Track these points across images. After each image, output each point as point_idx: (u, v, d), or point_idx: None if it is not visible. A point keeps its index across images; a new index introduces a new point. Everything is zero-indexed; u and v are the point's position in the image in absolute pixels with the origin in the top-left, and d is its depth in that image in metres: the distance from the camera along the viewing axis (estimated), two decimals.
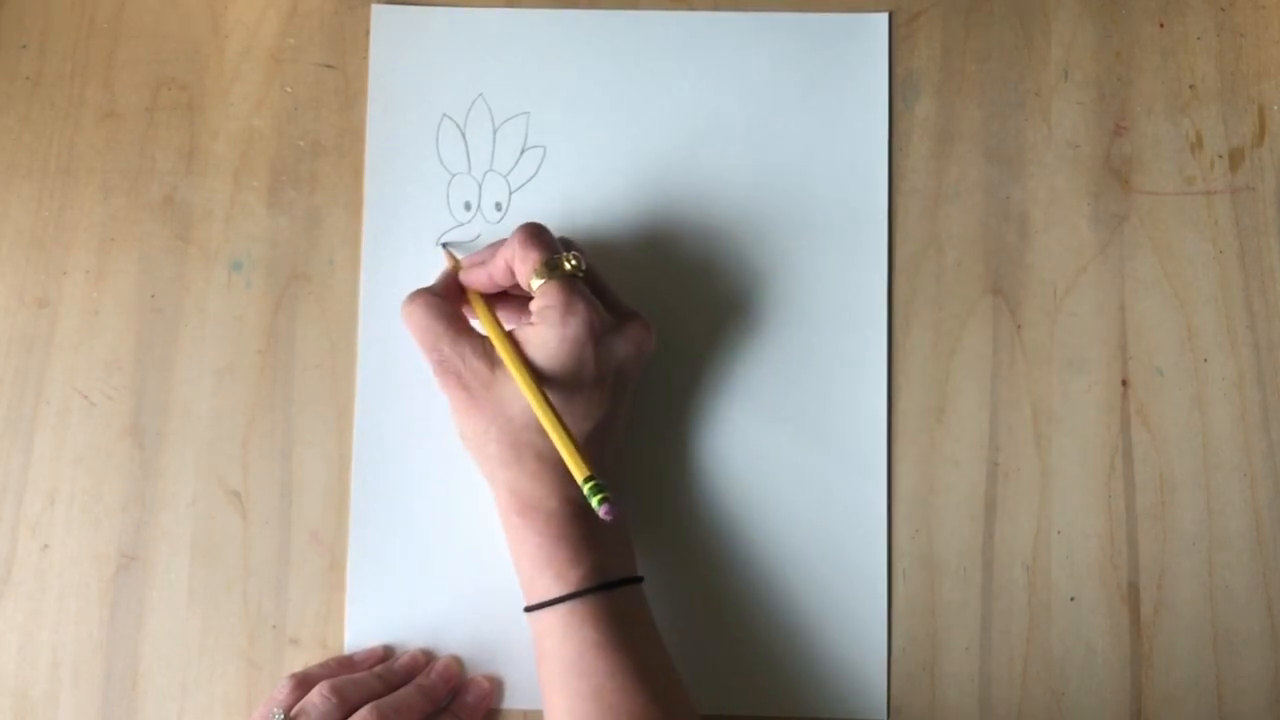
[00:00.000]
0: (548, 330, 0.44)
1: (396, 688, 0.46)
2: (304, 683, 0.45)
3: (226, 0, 0.53)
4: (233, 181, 0.52)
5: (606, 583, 0.43)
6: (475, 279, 0.47)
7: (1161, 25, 0.53)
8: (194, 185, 0.52)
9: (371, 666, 0.48)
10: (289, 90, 0.53)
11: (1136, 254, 0.51)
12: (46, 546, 0.50)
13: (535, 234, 0.45)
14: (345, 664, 0.48)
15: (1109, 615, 0.49)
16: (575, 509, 0.44)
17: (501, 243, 0.46)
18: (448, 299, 0.47)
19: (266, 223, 0.52)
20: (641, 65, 0.53)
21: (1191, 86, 0.53)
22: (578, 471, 0.41)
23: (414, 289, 0.47)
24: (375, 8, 0.53)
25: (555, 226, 0.51)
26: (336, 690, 0.44)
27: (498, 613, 0.49)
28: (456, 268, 0.49)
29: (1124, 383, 0.51)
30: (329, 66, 0.53)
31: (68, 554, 0.50)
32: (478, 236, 0.52)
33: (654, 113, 0.52)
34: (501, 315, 0.48)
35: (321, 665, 0.48)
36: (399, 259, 0.51)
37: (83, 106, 0.52)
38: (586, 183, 0.52)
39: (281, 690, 0.45)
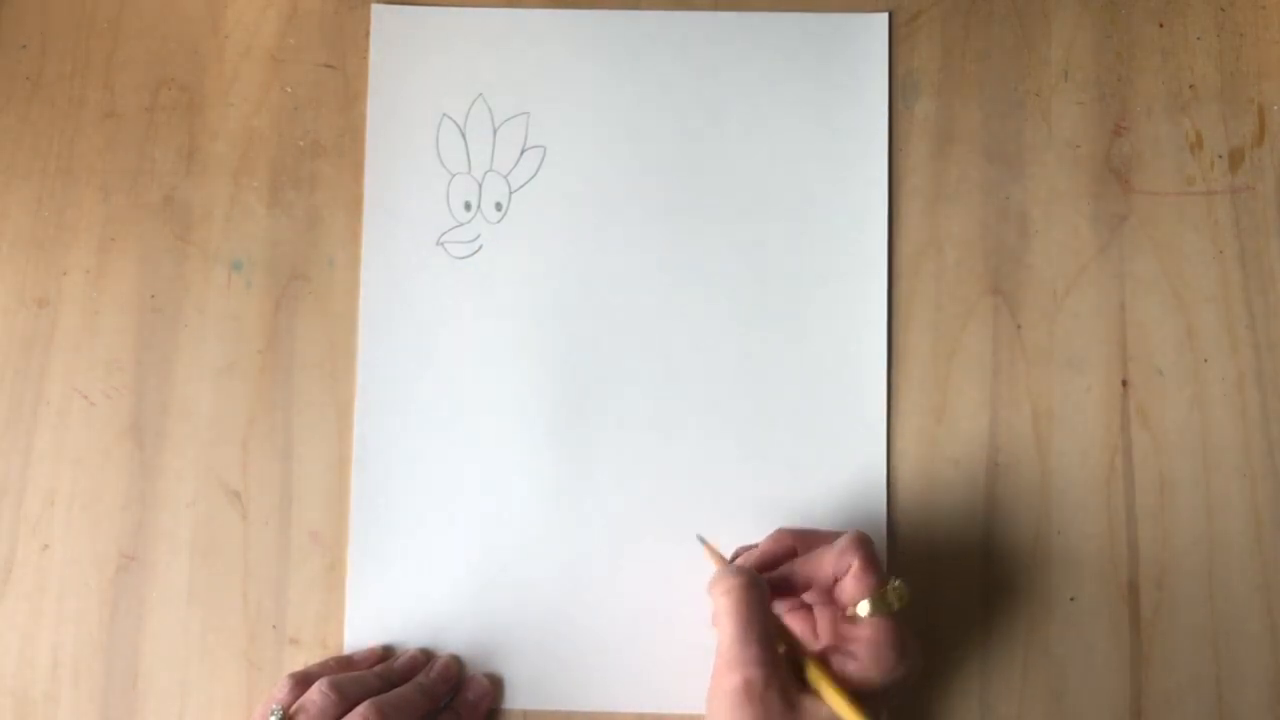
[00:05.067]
0: (873, 668, 0.41)
1: (396, 686, 0.46)
2: (303, 681, 0.45)
3: (226, 0, 0.53)
4: (233, 181, 0.52)
5: None
6: (776, 573, 0.44)
7: (1161, 25, 0.53)
8: (194, 185, 0.52)
9: (371, 666, 0.48)
10: (289, 90, 0.53)
11: (1136, 254, 0.51)
12: (46, 546, 0.50)
13: (874, 557, 0.43)
14: (344, 664, 0.48)
15: (1109, 615, 0.49)
16: None
17: (817, 547, 0.45)
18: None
19: (266, 223, 0.52)
20: (641, 65, 0.53)
21: (1191, 86, 0.53)
22: None
23: (734, 569, 0.43)
24: (375, 8, 0.53)
25: (555, 226, 0.51)
26: (336, 687, 0.44)
27: (498, 612, 0.49)
28: (722, 560, 0.46)
29: (1124, 383, 0.51)
30: (329, 66, 0.53)
31: (68, 554, 0.50)
32: (478, 236, 0.52)
33: (654, 113, 0.52)
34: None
35: (320, 665, 0.48)
36: (399, 259, 0.51)
37: (83, 106, 0.53)
38: (586, 183, 0.52)
39: (281, 689, 0.45)
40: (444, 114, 0.52)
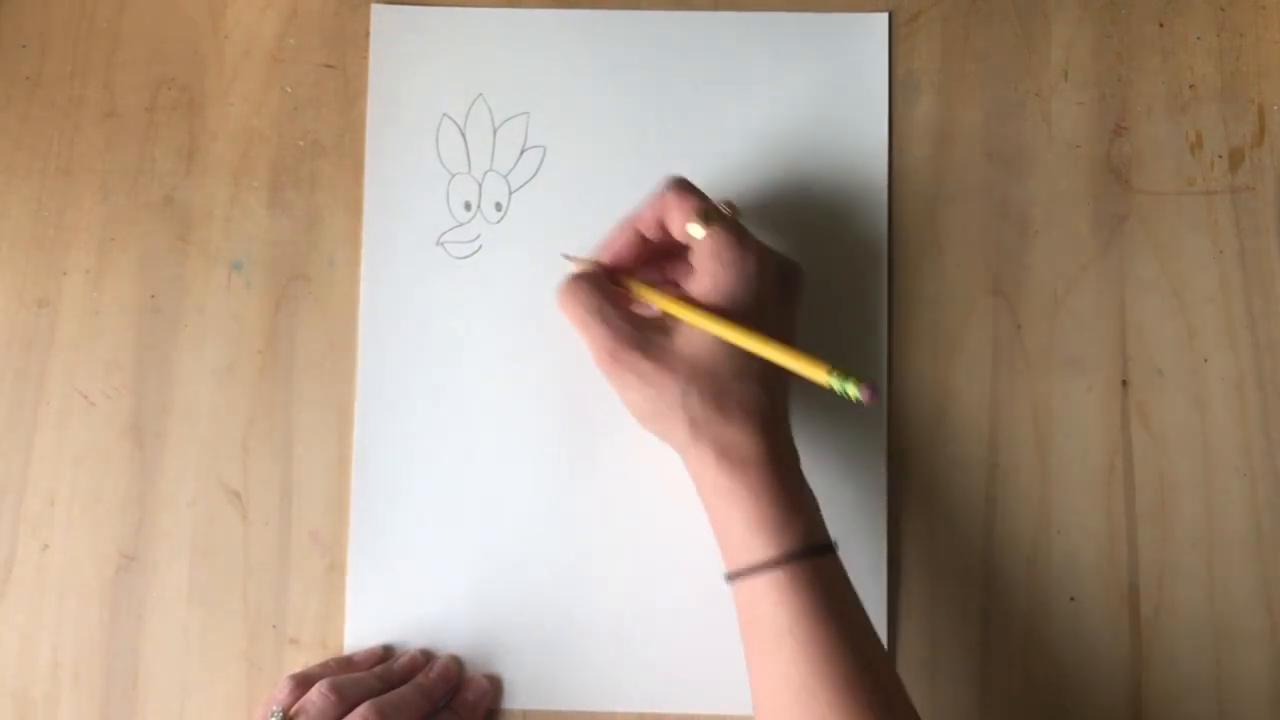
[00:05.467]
0: (724, 271, 0.44)
1: (395, 687, 0.46)
2: (303, 682, 0.45)
3: (226, 0, 0.53)
4: (233, 181, 0.52)
5: (816, 546, 0.42)
6: (624, 244, 0.47)
7: (1161, 25, 0.53)
8: (194, 185, 0.52)
9: (371, 667, 0.48)
10: (289, 90, 0.53)
11: (1136, 254, 0.51)
12: (46, 546, 0.50)
13: (687, 184, 0.46)
14: (344, 664, 0.48)
15: (1109, 615, 0.49)
16: (783, 464, 0.43)
17: (632, 215, 0.47)
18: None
19: (266, 223, 0.52)
20: (641, 65, 0.53)
21: (1191, 86, 0.53)
22: (815, 369, 0.41)
23: (568, 278, 0.46)
24: (375, 8, 0.53)
25: (555, 226, 0.51)
26: (335, 688, 0.44)
27: (498, 613, 0.49)
28: (588, 266, 0.47)
29: (1124, 383, 0.51)
30: (329, 66, 0.53)
31: (68, 554, 0.50)
32: (478, 236, 0.52)
33: (654, 113, 0.52)
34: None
35: (321, 665, 0.48)
36: (399, 259, 0.51)
37: (83, 106, 0.52)
38: (586, 183, 0.52)
39: (281, 689, 0.45)
40: (444, 114, 0.52)
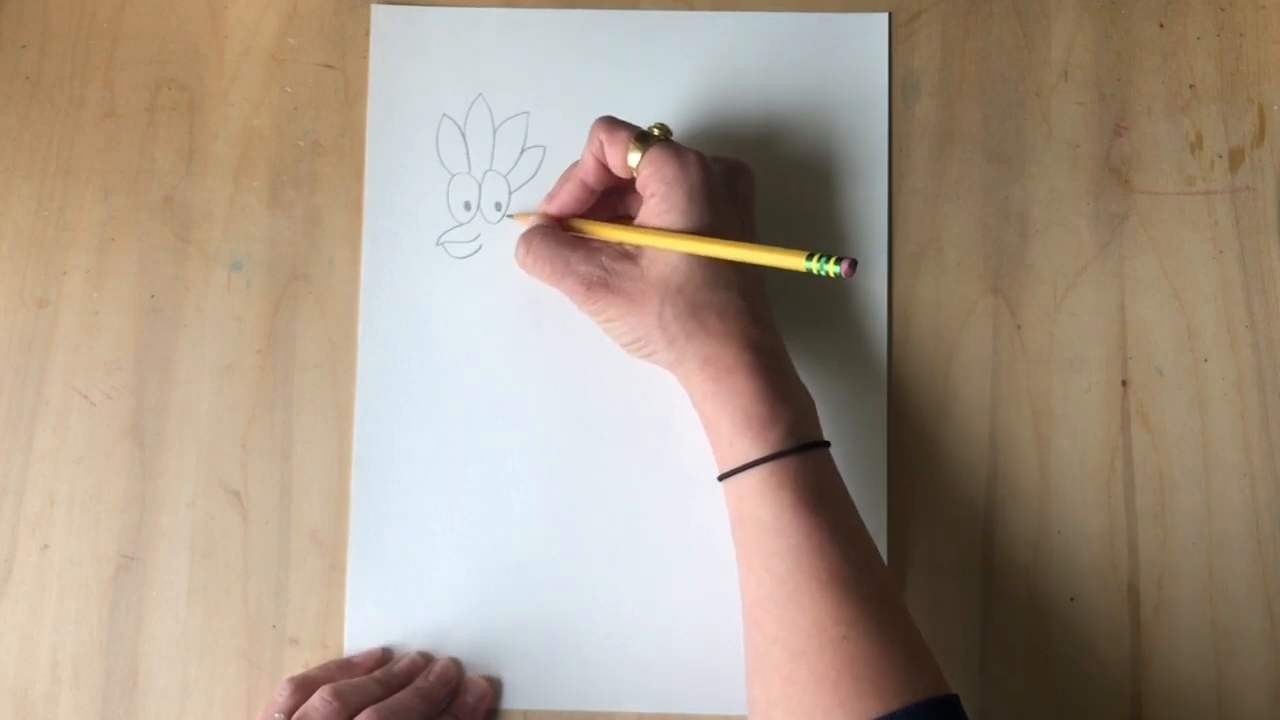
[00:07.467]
0: (671, 188, 0.45)
1: (396, 690, 0.46)
2: (304, 686, 0.45)
3: (226, 0, 0.53)
4: (233, 181, 0.52)
5: (802, 445, 0.43)
6: (568, 194, 0.48)
7: (1161, 25, 0.53)
8: (194, 185, 0.52)
9: (371, 669, 0.48)
10: (289, 90, 0.53)
11: (1136, 254, 0.51)
12: (46, 546, 0.50)
13: (614, 119, 0.46)
14: (345, 667, 0.48)
15: (1109, 616, 0.49)
16: (769, 364, 0.44)
17: (574, 165, 0.48)
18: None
19: (266, 223, 0.52)
20: (641, 65, 0.53)
21: (1191, 86, 0.53)
22: (794, 259, 0.41)
23: (519, 236, 0.48)
24: (375, 8, 0.53)
25: None
26: (337, 694, 0.44)
27: (497, 613, 0.49)
28: (535, 220, 0.49)
29: (1124, 383, 0.51)
30: (329, 66, 0.53)
31: (68, 554, 0.50)
32: (478, 236, 0.52)
33: (653, 113, 0.52)
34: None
35: (321, 668, 0.48)
36: (399, 259, 0.51)
37: (83, 106, 0.53)
38: None
39: (282, 694, 0.45)
40: (444, 114, 0.52)
